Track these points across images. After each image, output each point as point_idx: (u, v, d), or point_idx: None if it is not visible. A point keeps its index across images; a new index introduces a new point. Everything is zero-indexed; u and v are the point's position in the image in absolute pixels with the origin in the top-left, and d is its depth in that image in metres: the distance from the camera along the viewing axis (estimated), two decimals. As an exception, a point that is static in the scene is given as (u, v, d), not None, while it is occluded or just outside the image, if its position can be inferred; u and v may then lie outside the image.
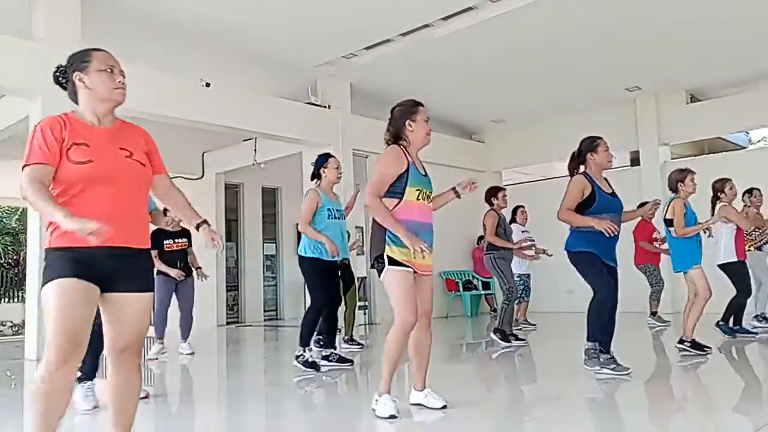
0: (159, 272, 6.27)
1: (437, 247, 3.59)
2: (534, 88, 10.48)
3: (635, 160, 11.64)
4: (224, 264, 12.06)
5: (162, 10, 7.52)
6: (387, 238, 3.30)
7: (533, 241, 7.90)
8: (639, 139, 11.08)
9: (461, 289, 11.65)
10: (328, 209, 5.19)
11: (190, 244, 6.73)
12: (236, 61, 9.14)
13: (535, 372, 5.45)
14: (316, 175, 5.32)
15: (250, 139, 10.53)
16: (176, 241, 6.54)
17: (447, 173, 12.41)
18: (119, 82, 2.36)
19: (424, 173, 3.51)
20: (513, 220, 7.90)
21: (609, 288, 4.36)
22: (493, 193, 6.64)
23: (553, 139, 11.83)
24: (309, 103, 9.73)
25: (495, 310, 11.95)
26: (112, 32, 7.82)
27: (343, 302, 6.26)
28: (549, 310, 10.62)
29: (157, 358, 6.44)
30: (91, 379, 3.93)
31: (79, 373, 3.80)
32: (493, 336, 6.50)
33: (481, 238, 12.21)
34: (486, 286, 11.89)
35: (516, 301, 6.88)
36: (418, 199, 3.37)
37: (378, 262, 3.35)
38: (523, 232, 7.68)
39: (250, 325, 11.63)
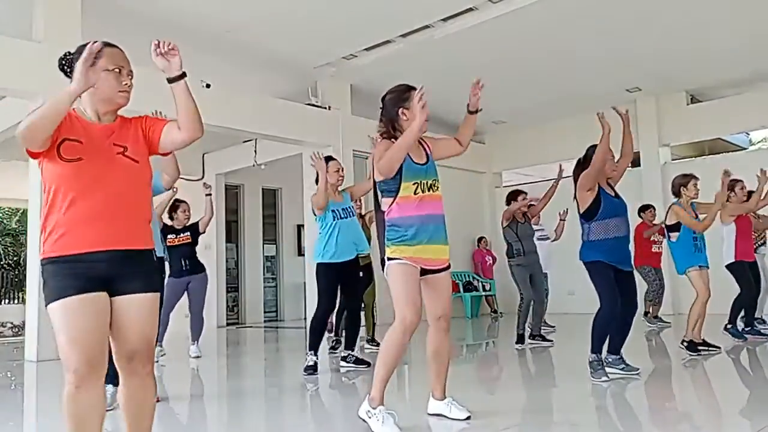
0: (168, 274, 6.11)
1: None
2: (534, 90, 10.48)
3: (635, 161, 11.61)
4: (224, 265, 12.06)
5: (162, 12, 7.51)
6: (386, 239, 3.12)
7: (547, 238, 7.96)
8: (639, 140, 11.03)
9: (462, 290, 11.64)
10: (332, 211, 5.16)
11: (195, 241, 6.60)
12: (237, 63, 9.14)
13: (535, 374, 5.43)
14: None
15: (251, 140, 10.53)
16: (179, 236, 6.51)
17: (447, 174, 12.33)
18: (125, 84, 2.28)
19: (424, 161, 3.24)
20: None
21: (613, 303, 4.27)
22: (513, 196, 6.82)
23: (553, 140, 11.84)
24: (309, 104, 9.73)
25: (495, 312, 11.96)
26: (112, 33, 7.74)
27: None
28: (551, 312, 10.60)
29: (157, 361, 6.40)
30: (115, 385, 3.62)
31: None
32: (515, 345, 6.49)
33: (480, 239, 12.25)
34: (486, 287, 11.88)
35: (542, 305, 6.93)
36: (416, 193, 3.13)
37: (384, 264, 3.19)
38: (537, 230, 7.70)
39: (250, 327, 11.62)
